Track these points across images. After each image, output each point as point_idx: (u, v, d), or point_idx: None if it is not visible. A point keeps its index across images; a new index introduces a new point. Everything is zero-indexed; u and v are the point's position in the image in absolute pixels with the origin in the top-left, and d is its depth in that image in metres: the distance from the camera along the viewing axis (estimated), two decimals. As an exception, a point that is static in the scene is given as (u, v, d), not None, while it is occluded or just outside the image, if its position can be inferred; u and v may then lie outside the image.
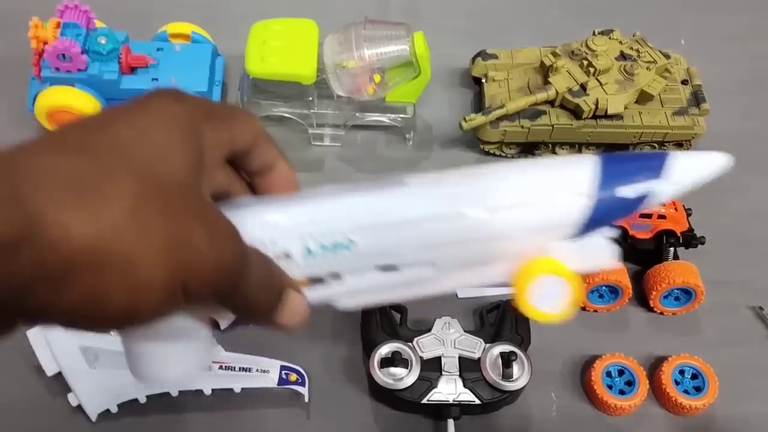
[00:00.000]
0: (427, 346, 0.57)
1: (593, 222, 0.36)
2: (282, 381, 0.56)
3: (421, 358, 0.56)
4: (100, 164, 0.25)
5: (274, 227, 0.33)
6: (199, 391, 0.56)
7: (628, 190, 0.36)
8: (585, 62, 0.68)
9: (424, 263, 0.36)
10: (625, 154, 0.36)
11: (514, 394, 0.56)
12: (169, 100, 0.29)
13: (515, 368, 0.55)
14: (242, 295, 0.29)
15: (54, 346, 0.56)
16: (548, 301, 0.36)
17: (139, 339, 0.33)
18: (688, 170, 0.36)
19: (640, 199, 0.36)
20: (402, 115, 0.71)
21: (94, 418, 0.55)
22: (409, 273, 0.36)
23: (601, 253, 0.37)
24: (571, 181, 0.36)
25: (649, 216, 0.62)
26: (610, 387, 0.58)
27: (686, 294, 0.62)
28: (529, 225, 0.36)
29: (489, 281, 0.37)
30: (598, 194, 0.36)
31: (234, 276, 0.28)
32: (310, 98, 0.69)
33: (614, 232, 0.38)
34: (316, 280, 0.35)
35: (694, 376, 0.58)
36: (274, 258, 0.32)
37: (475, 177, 0.37)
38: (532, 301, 0.36)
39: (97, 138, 0.26)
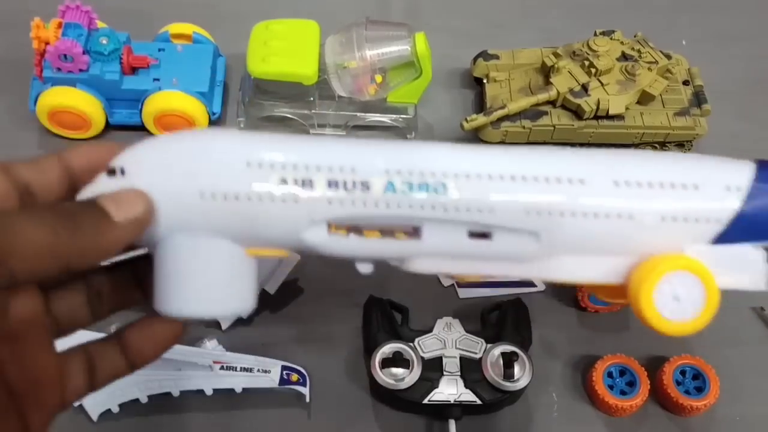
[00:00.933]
0: (428, 346, 0.57)
1: (744, 225, 0.31)
2: (283, 381, 0.56)
3: (422, 358, 0.56)
4: None
5: (347, 155, 0.30)
6: (200, 391, 0.56)
7: None
8: (586, 63, 0.68)
9: (525, 232, 0.30)
10: None
11: (516, 395, 0.56)
12: None
13: (516, 368, 0.55)
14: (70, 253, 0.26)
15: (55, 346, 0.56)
16: (677, 307, 0.31)
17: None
18: None
19: None
20: (403, 116, 0.71)
21: (95, 418, 0.55)
22: (505, 243, 0.30)
23: (751, 269, 0.31)
24: (724, 171, 0.31)
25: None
26: (611, 387, 0.58)
27: (687, 294, 0.62)
28: (664, 209, 0.30)
29: (597, 277, 0.31)
30: (754, 191, 0.30)
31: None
32: (312, 98, 0.69)
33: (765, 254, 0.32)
34: (387, 233, 0.31)
35: (696, 377, 0.58)
36: (345, 185, 0.29)
37: (600, 151, 0.32)
38: (656, 303, 0.30)
39: None
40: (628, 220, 0.30)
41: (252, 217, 0.30)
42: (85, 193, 0.29)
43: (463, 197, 0.29)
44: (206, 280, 0.30)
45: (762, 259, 0.32)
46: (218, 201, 0.29)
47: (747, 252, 0.31)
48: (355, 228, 0.31)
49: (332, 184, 0.30)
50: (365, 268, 0.34)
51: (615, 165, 0.31)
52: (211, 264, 0.30)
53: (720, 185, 0.30)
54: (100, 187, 0.29)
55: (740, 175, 0.31)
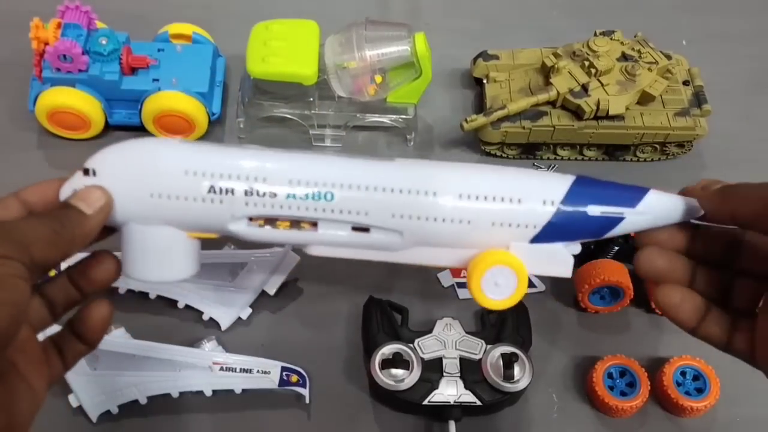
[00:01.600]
0: (428, 347, 0.57)
1: (554, 231, 0.40)
2: (283, 382, 0.56)
3: (422, 359, 0.56)
4: None
5: (261, 169, 0.39)
6: (200, 393, 0.56)
7: (594, 209, 0.40)
8: (586, 63, 0.68)
9: (392, 230, 0.40)
10: (607, 182, 0.42)
11: (516, 396, 0.56)
12: None
13: (516, 369, 0.55)
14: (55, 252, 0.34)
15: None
16: (497, 290, 0.41)
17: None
18: (659, 208, 0.41)
19: (605, 220, 0.41)
20: (403, 116, 0.71)
21: (94, 419, 0.55)
22: (378, 236, 0.41)
23: (558, 262, 0.41)
24: (545, 187, 0.41)
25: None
26: (611, 388, 0.58)
27: (688, 295, 0.62)
28: (494, 217, 0.40)
29: (447, 263, 0.42)
30: (564, 205, 0.40)
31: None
32: (311, 99, 0.69)
33: (577, 249, 0.42)
34: (295, 225, 0.40)
35: (696, 378, 0.58)
36: (258, 195, 0.39)
37: (454, 167, 0.42)
38: (483, 287, 0.41)
39: None
40: (467, 224, 0.40)
41: (187, 212, 0.39)
42: (66, 189, 0.38)
43: (345, 204, 0.40)
44: (156, 255, 0.40)
45: (568, 255, 0.41)
46: (163, 199, 0.39)
47: (557, 249, 0.41)
48: (270, 220, 0.40)
49: (248, 192, 0.39)
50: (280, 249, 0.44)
51: (462, 179, 0.41)
52: (159, 244, 0.40)
53: (539, 199, 0.40)
54: (76, 182, 0.38)
55: (557, 191, 0.40)
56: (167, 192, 0.39)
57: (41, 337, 0.39)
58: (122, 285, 0.59)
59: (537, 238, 0.41)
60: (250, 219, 0.40)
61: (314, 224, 0.40)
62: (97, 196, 0.37)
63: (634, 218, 0.41)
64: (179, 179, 0.39)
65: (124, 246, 0.40)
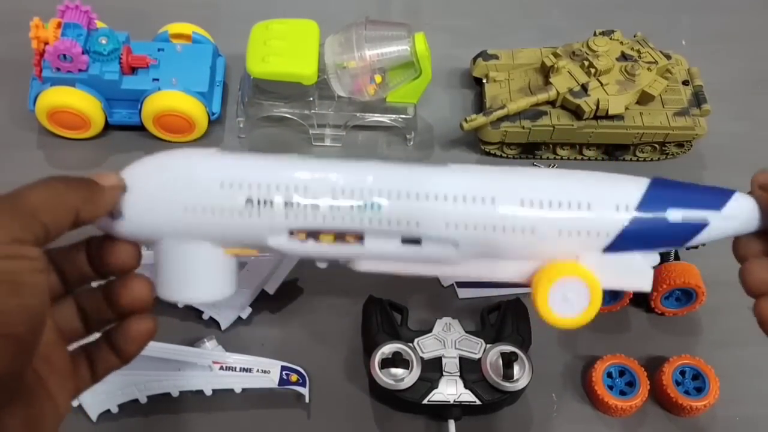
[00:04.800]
0: (427, 346, 0.57)
1: (630, 238, 0.36)
2: (282, 381, 0.56)
3: (421, 358, 0.56)
4: None
5: (301, 179, 0.37)
6: (200, 392, 0.56)
7: (674, 214, 0.36)
8: (586, 63, 0.68)
9: (447, 242, 0.37)
10: (688, 183, 0.38)
11: (515, 395, 0.56)
12: None
13: (516, 369, 0.55)
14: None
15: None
16: (566, 306, 0.36)
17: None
18: (746, 212, 0.37)
19: (687, 227, 0.36)
20: (403, 116, 0.71)
21: (94, 418, 0.55)
22: (430, 249, 0.37)
23: (635, 274, 0.37)
24: (618, 191, 0.36)
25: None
26: (611, 388, 0.58)
27: (687, 295, 0.62)
28: (561, 225, 0.36)
29: (508, 277, 0.38)
30: (640, 210, 0.36)
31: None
32: (311, 99, 0.69)
33: (656, 259, 0.38)
34: (339, 238, 0.37)
35: (695, 377, 0.58)
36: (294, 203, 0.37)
37: (514, 171, 0.38)
38: (550, 302, 0.36)
39: None
40: (530, 233, 0.36)
41: (224, 227, 0.37)
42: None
43: (394, 214, 0.36)
44: (191, 273, 0.38)
45: (647, 266, 0.37)
46: (198, 213, 0.37)
47: (634, 259, 0.37)
48: (312, 234, 0.37)
49: (288, 204, 0.37)
50: (321, 265, 0.42)
51: (523, 185, 0.37)
52: (194, 261, 0.38)
53: (611, 204, 0.36)
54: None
55: (631, 194, 0.36)
56: (202, 205, 0.37)
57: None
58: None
59: (610, 248, 0.36)
60: (291, 233, 0.37)
61: (360, 237, 0.37)
62: (111, 175, 0.37)
63: (720, 224, 0.37)
64: (215, 192, 0.37)
65: (158, 264, 0.38)
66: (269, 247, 0.38)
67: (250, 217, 0.37)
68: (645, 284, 0.37)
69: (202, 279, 0.38)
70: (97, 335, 0.38)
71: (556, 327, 0.37)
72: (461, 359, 0.56)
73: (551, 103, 0.69)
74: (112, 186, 0.36)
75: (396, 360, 0.55)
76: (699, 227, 0.37)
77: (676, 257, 0.63)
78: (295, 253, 0.38)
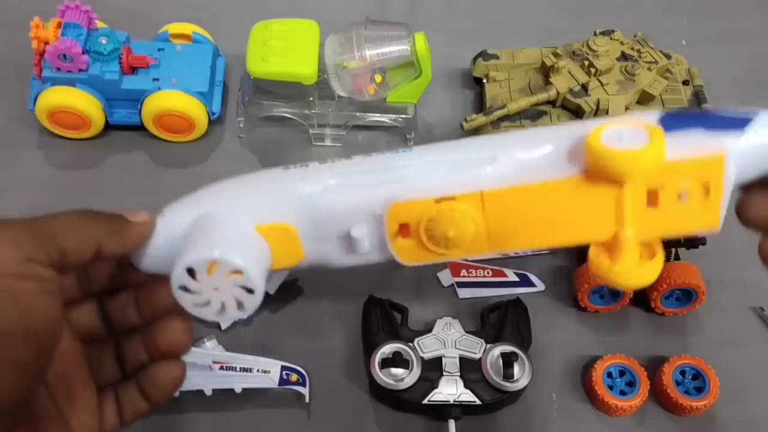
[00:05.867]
0: (427, 346, 0.57)
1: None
2: (283, 381, 0.56)
3: (421, 358, 0.56)
4: None
5: None
6: (200, 392, 0.56)
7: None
8: (586, 62, 0.68)
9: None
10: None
11: (515, 395, 0.56)
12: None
13: (516, 369, 0.55)
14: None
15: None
16: (621, 144, 0.31)
17: None
18: None
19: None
20: (403, 116, 0.71)
21: (94, 418, 0.55)
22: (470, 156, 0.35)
23: (699, 141, 0.32)
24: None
25: (650, 216, 0.62)
26: (611, 387, 0.58)
27: (687, 294, 0.62)
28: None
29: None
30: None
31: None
32: (311, 98, 0.69)
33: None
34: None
35: (695, 377, 0.58)
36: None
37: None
38: (603, 140, 0.31)
39: None
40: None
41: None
42: None
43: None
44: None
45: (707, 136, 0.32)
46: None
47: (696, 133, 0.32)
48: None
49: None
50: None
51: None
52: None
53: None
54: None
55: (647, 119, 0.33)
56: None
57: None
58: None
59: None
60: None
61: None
62: (142, 213, 0.35)
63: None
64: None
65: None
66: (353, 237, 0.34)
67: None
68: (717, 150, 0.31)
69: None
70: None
71: (610, 162, 0.31)
72: (461, 359, 0.56)
73: (551, 102, 0.69)
74: (141, 222, 0.35)
75: (396, 360, 0.55)
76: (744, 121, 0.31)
77: (677, 257, 0.63)
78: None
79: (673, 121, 0.32)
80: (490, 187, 0.33)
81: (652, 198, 0.32)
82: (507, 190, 0.32)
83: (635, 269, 0.32)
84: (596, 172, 0.31)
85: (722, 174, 0.31)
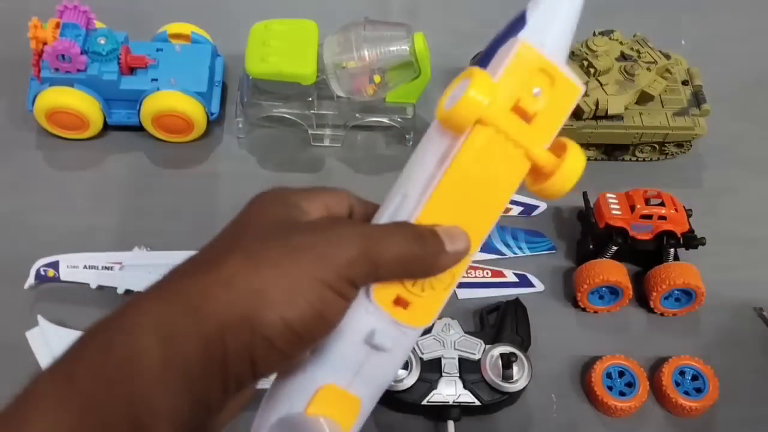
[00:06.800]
0: (427, 347, 0.57)
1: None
2: (282, 382, 0.55)
3: (421, 359, 0.56)
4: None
5: None
6: (199, 393, 0.55)
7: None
8: (585, 63, 0.68)
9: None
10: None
11: (515, 396, 0.56)
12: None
13: (515, 369, 0.55)
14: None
15: (53, 347, 0.55)
16: (456, 97, 0.33)
17: None
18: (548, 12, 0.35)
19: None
20: (402, 116, 0.71)
21: (93, 419, 0.55)
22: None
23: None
24: None
25: (649, 217, 0.62)
26: (610, 388, 0.58)
27: (687, 295, 0.62)
28: None
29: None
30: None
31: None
32: (310, 99, 0.69)
33: None
34: None
35: (695, 377, 0.58)
36: None
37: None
38: (447, 107, 0.34)
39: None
40: None
41: None
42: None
43: None
44: None
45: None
46: None
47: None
48: None
49: None
50: None
51: None
52: None
53: None
54: None
55: None
56: None
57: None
58: (120, 284, 0.59)
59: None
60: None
61: None
62: (461, 238, 0.33)
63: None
64: None
65: None
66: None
67: None
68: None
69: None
70: None
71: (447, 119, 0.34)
72: (460, 360, 0.56)
73: (550, 103, 0.69)
74: (455, 251, 0.33)
75: (395, 360, 0.55)
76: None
77: (676, 257, 0.63)
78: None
79: (484, 57, 0.36)
80: (417, 215, 0.33)
81: (520, 113, 0.34)
82: (430, 202, 0.33)
83: (565, 167, 0.34)
84: (461, 131, 0.33)
85: (536, 53, 0.33)
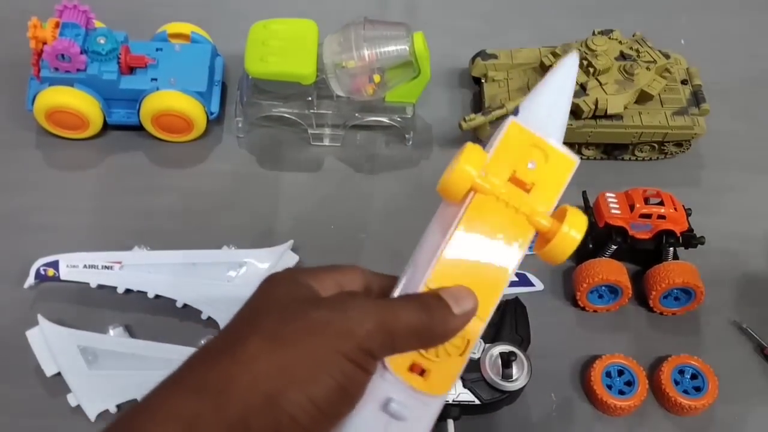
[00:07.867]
0: (426, 346, 0.57)
1: None
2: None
3: (420, 358, 0.56)
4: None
5: None
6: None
7: None
8: (585, 62, 0.68)
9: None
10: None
11: (514, 395, 0.56)
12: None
13: (515, 368, 0.55)
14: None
15: (53, 346, 0.56)
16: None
17: None
18: None
19: None
20: (401, 115, 0.71)
21: (93, 418, 0.55)
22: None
23: None
24: None
25: (648, 216, 0.62)
26: (609, 387, 0.58)
27: (686, 294, 0.62)
28: None
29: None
30: None
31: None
32: (310, 98, 0.69)
33: None
34: None
35: (694, 376, 0.58)
36: None
37: None
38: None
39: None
40: None
41: None
42: None
43: None
44: None
45: None
46: None
47: None
48: None
49: None
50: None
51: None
52: None
53: None
54: None
55: None
56: None
57: None
58: (120, 284, 0.59)
59: None
60: None
61: None
62: (467, 298, 0.34)
63: None
64: None
65: None
66: None
67: None
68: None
69: None
70: None
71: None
72: (460, 359, 0.56)
73: (550, 102, 0.69)
74: (464, 313, 0.33)
75: (395, 360, 0.55)
76: None
77: (675, 256, 0.63)
78: None
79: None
80: (426, 281, 0.35)
81: (518, 183, 0.36)
82: (437, 268, 0.35)
83: (562, 232, 0.35)
84: (457, 199, 0.35)
85: (526, 131, 0.36)
